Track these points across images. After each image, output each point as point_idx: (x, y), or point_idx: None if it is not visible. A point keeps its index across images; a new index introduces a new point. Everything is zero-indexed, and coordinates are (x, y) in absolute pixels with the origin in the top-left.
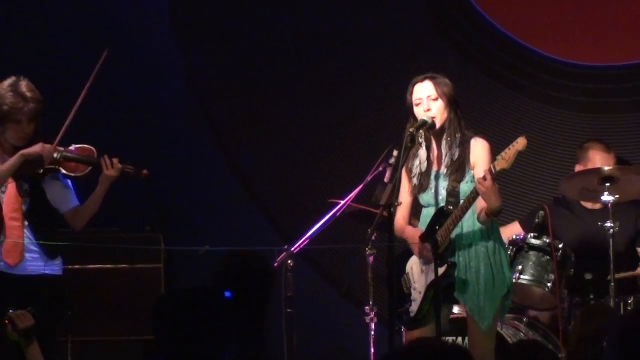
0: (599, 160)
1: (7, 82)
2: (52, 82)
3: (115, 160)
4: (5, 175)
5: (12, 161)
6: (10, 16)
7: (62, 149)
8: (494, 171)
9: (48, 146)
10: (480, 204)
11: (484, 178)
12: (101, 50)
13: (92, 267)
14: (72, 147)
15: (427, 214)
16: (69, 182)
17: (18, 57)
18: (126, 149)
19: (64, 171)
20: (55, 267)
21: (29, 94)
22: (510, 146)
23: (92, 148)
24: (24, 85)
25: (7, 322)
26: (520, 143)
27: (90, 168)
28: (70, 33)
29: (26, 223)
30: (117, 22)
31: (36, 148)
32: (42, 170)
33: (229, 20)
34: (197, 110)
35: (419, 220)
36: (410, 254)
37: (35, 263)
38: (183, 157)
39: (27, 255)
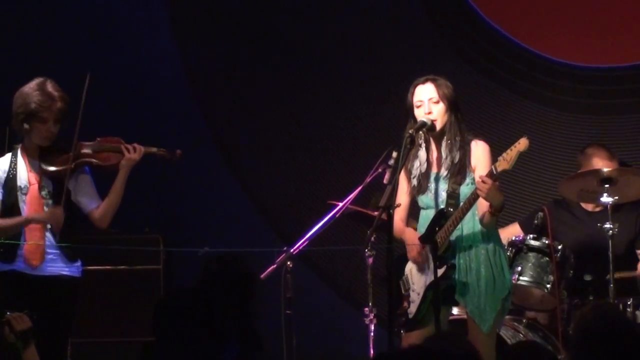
0: (603, 167)
1: (34, 82)
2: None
3: (136, 144)
4: (4, 231)
5: (16, 221)
6: (7, 16)
7: (90, 142)
8: (495, 172)
9: (58, 211)
10: (481, 206)
11: (483, 182)
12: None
13: (91, 268)
14: (98, 139)
15: (426, 215)
16: (92, 178)
17: (16, 56)
18: None
19: (96, 162)
20: (73, 269)
21: (56, 93)
22: (512, 147)
23: (119, 138)
24: (50, 85)
25: (4, 324)
26: (522, 144)
27: (122, 157)
28: (69, 34)
29: (48, 225)
30: (116, 22)
31: (45, 215)
32: (73, 165)
33: (228, 20)
34: (196, 111)
35: (416, 221)
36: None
37: (54, 264)
38: (183, 159)
39: (47, 256)
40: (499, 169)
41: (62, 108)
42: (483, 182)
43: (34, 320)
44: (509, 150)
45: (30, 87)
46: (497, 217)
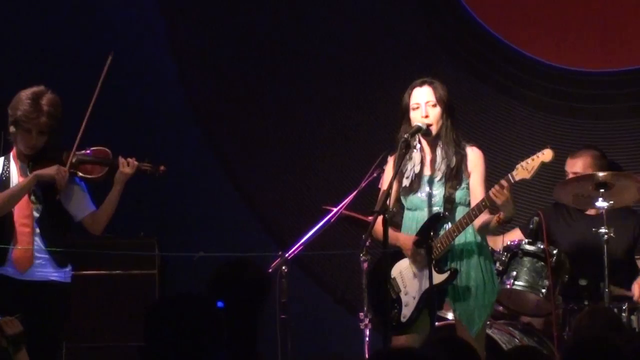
0: (567, 165)
1: (32, 89)
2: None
3: (131, 159)
4: (17, 196)
5: (25, 182)
6: (10, 25)
7: (78, 152)
8: (512, 180)
9: (63, 168)
10: (482, 213)
11: (502, 188)
12: (102, 52)
13: (86, 272)
14: (88, 150)
15: (413, 217)
16: (85, 186)
17: (18, 62)
18: (121, 154)
19: (80, 174)
20: (63, 274)
21: (45, 107)
22: (534, 156)
23: (107, 149)
24: (45, 98)
25: None
26: (547, 154)
27: (106, 169)
28: (68, 39)
29: (37, 230)
30: (113, 26)
31: (50, 171)
32: None
33: (225, 24)
34: (192, 116)
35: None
36: (395, 259)
37: (43, 269)
38: (178, 163)
39: (36, 261)
40: (517, 178)
41: (45, 123)
42: (501, 188)
43: (25, 324)
44: (529, 160)
45: (26, 94)
46: (504, 226)
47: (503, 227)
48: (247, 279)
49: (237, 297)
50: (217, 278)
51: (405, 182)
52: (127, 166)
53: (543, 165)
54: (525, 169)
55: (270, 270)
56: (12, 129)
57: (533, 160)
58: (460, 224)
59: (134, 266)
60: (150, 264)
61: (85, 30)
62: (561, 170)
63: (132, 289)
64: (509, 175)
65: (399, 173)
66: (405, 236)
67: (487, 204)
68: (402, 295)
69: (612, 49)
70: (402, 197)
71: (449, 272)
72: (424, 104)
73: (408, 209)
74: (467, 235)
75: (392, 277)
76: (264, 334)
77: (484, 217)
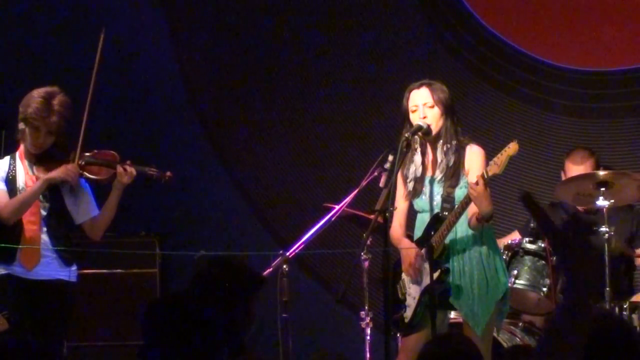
0: (571, 171)
1: (45, 89)
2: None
3: (129, 167)
4: (30, 201)
5: (36, 187)
6: (8, 24)
7: (87, 154)
8: (486, 176)
9: (70, 167)
10: (470, 209)
11: (476, 183)
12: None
13: (87, 272)
14: (95, 152)
15: (422, 219)
16: (90, 189)
17: (17, 62)
18: (121, 153)
19: (86, 174)
20: (68, 273)
21: (56, 107)
22: (502, 151)
23: (114, 152)
24: (57, 98)
25: None
26: (512, 148)
27: (113, 172)
28: (69, 40)
29: (44, 228)
30: (112, 25)
31: (59, 173)
32: None
33: (226, 23)
34: (193, 114)
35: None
36: None
37: (49, 268)
38: (179, 162)
39: (42, 259)
40: (490, 174)
41: (55, 123)
42: (476, 183)
43: (11, 322)
44: (499, 155)
45: (39, 92)
46: (483, 225)
47: (482, 224)
48: (232, 277)
49: (223, 294)
50: (199, 275)
51: (410, 186)
52: (125, 174)
53: (510, 158)
54: (496, 164)
55: (271, 269)
56: (21, 125)
57: (501, 154)
58: (449, 223)
59: (135, 265)
60: (151, 262)
61: (86, 30)
62: (556, 169)
63: (133, 288)
64: (484, 171)
65: (405, 177)
66: (407, 243)
67: (468, 201)
68: (407, 296)
69: (610, 48)
70: (412, 201)
71: (439, 271)
72: (421, 105)
73: (418, 211)
74: (469, 234)
75: (402, 278)
76: (265, 333)
77: (471, 214)
